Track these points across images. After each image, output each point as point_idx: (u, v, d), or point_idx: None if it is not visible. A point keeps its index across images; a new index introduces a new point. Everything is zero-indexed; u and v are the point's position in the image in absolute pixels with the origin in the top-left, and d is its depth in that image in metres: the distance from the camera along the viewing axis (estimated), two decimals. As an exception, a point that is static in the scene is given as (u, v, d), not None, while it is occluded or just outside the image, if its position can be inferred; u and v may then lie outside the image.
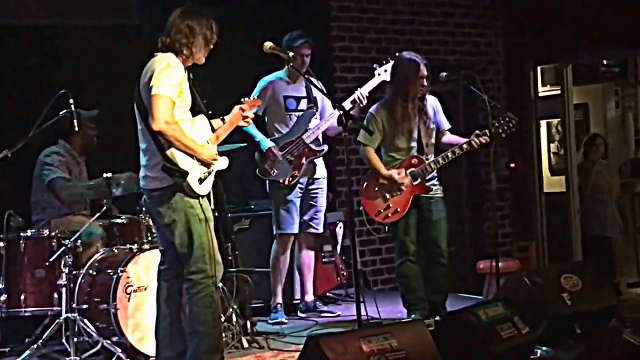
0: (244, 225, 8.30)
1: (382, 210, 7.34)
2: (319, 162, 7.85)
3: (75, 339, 6.37)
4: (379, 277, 10.25)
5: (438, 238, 7.36)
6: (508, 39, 11.60)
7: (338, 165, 9.74)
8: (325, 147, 7.82)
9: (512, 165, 11.21)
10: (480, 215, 11.42)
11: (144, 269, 6.61)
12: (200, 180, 5.68)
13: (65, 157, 7.36)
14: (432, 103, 7.51)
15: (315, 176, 7.83)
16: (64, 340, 6.43)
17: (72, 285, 6.55)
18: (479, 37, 11.46)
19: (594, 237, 10.37)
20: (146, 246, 6.72)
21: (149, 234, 6.85)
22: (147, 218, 6.81)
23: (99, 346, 6.41)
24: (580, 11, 10.67)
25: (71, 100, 6.53)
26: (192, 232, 5.65)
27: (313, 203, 7.84)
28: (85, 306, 6.60)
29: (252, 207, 8.49)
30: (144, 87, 5.64)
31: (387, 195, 7.32)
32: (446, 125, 7.55)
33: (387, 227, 7.58)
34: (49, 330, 6.46)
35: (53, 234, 6.81)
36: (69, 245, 6.54)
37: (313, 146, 7.73)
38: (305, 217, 7.84)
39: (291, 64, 6.76)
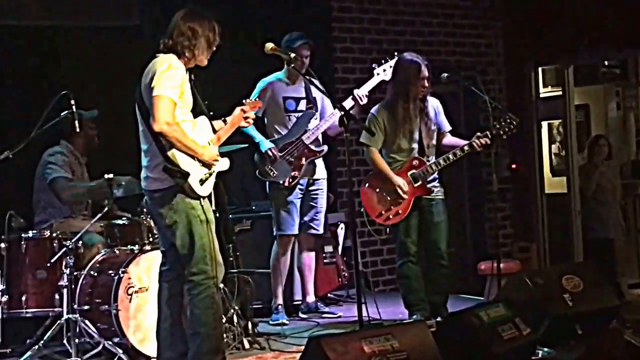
0: (245, 226, 8.31)
1: (383, 212, 7.33)
2: (319, 163, 7.85)
3: (77, 340, 6.38)
4: (380, 278, 10.25)
5: (438, 240, 7.36)
6: (508, 40, 11.60)
7: (339, 166, 9.74)
8: (325, 148, 7.81)
9: (513, 166, 11.20)
10: (482, 216, 11.42)
11: (145, 270, 6.61)
12: (202, 181, 5.68)
13: (68, 157, 7.37)
14: (434, 104, 7.51)
15: (315, 177, 7.82)
16: (65, 341, 6.44)
17: (73, 286, 6.55)
18: (479, 38, 11.46)
19: (595, 239, 10.34)
20: (147, 247, 6.73)
21: (150, 235, 6.85)
22: (148, 219, 6.82)
23: (100, 347, 6.40)
24: (581, 12, 10.67)
25: (72, 101, 6.54)
26: (193, 233, 5.65)
27: (313, 204, 7.84)
28: (86, 307, 6.60)
29: (253, 208, 8.49)
30: (145, 88, 5.65)
31: (389, 197, 7.31)
32: (447, 126, 7.54)
33: (388, 229, 7.57)
34: (50, 331, 6.46)
35: (54, 235, 6.81)
36: (70, 246, 6.55)
37: (313, 147, 7.72)
38: (306, 218, 7.84)
39: (292, 65, 6.78)
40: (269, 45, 6.58)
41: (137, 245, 6.78)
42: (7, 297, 6.67)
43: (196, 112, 5.84)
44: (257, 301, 7.70)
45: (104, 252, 6.86)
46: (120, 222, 7.01)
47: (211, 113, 5.98)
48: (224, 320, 6.26)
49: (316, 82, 6.80)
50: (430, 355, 5.42)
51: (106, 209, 6.81)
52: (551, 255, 11.35)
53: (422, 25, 10.91)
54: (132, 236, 6.92)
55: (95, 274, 6.70)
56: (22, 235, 6.76)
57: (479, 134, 7.27)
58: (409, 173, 7.30)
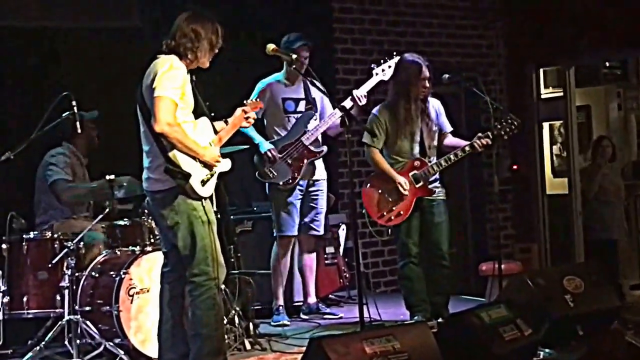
0: (246, 227, 8.31)
1: (384, 213, 7.33)
2: (319, 164, 7.84)
3: (78, 341, 6.37)
4: (381, 279, 10.25)
5: (440, 240, 7.36)
6: (509, 41, 11.60)
7: (340, 167, 9.74)
8: (325, 149, 7.81)
9: (515, 167, 11.20)
10: (483, 217, 11.42)
11: (146, 271, 6.61)
12: (203, 182, 5.68)
13: (70, 158, 7.37)
14: (435, 105, 7.51)
15: (314, 178, 7.82)
16: (66, 342, 6.44)
17: (74, 287, 6.55)
18: (480, 39, 11.47)
19: (598, 240, 10.31)
20: (149, 248, 6.73)
21: (151, 236, 6.85)
22: (149, 220, 6.82)
23: (101, 348, 6.40)
24: (582, 13, 10.67)
25: (74, 103, 6.54)
26: (195, 235, 5.65)
27: (313, 205, 7.84)
28: (87, 308, 6.59)
29: (254, 209, 8.49)
30: (146, 89, 5.65)
31: (390, 198, 7.31)
32: (448, 127, 7.54)
33: (389, 230, 7.57)
34: (51, 332, 6.46)
35: (55, 235, 6.80)
36: (71, 247, 6.55)
37: (312, 148, 7.72)
38: (306, 219, 7.84)
39: (294, 66, 6.78)
40: (270, 46, 6.60)
41: (138, 247, 6.77)
42: (8, 298, 6.66)
43: (197, 113, 5.84)
44: (258, 302, 7.70)
45: (105, 253, 6.86)
46: (121, 223, 7.00)
47: (212, 114, 5.98)
48: (225, 321, 6.26)
49: (317, 83, 6.78)
50: (432, 356, 5.43)
51: (107, 209, 6.81)
52: (552, 256, 11.34)
53: (423, 26, 10.92)
54: (133, 237, 6.91)
55: (97, 275, 6.70)
56: (24, 236, 6.75)
57: (480, 134, 7.27)
58: (410, 174, 7.30)
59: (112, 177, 6.81)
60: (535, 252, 11.28)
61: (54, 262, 6.65)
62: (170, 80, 5.56)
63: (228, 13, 8.11)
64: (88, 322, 6.45)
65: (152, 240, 6.81)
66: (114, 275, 6.56)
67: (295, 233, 7.82)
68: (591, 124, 11.94)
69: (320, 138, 7.77)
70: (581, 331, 6.44)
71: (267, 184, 7.76)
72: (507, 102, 11.34)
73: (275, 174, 7.64)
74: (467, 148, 7.27)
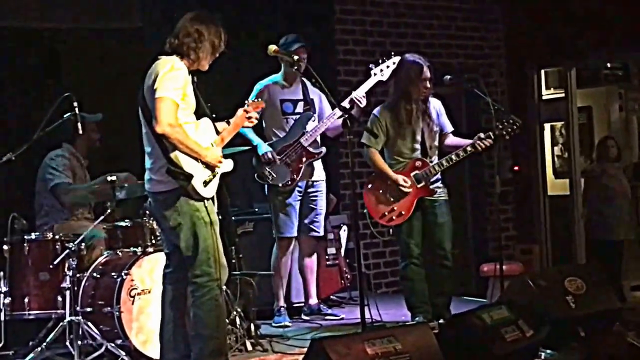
0: (247, 229, 8.31)
1: (386, 213, 7.33)
2: (317, 165, 7.84)
3: (79, 342, 6.38)
4: (383, 280, 10.25)
5: (443, 240, 7.35)
6: (511, 42, 11.60)
7: (341, 168, 9.75)
8: (324, 150, 7.81)
9: (516, 168, 11.21)
10: (484, 218, 11.43)
11: (147, 272, 6.61)
12: (205, 183, 5.68)
13: (70, 160, 7.37)
14: (435, 106, 7.51)
15: (313, 179, 7.81)
16: (67, 343, 6.43)
17: (75, 288, 6.55)
18: (482, 40, 11.47)
19: (602, 240, 10.26)
20: (150, 249, 6.72)
21: (152, 237, 6.85)
22: (151, 221, 6.81)
23: (102, 349, 6.39)
24: (583, 14, 10.67)
25: (75, 104, 6.53)
26: (197, 235, 5.65)
27: (313, 206, 7.84)
28: (89, 309, 6.59)
29: (256, 210, 8.49)
30: (147, 90, 5.64)
31: (392, 199, 7.31)
32: (449, 127, 7.54)
33: (391, 230, 7.56)
34: (52, 333, 6.45)
35: (57, 237, 6.80)
36: (72, 248, 6.55)
37: (311, 149, 7.71)
38: (306, 221, 7.83)
39: (295, 67, 6.79)
40: (272, 47, 6.62)
41: (139, 248, 6.76)
42: (9, 299, 6.65)
43: (199, 114, 5.84)
44: (260, 303, 7.69)
45: (106, 254, 6.86)
46: (122, 224, 7.00)
47: (214, 115, 5.98)
48: (226, 323, 6.25)
49: (318, 81, 6.76)
50: (433, 357, 5.43)
51: (109, 210, 6.81)
52: (553, 257, 11.34)
53: (424, 27, 10.92)
54: (134, 238, 6.91)
55: (98, 276, 6.70)
56: (25, 237, 6.74)
57: (481, 134, 7.27)
58: (412, 174, 7.30)
59: (114, 178, 6.81)
60: (537, 253, 11.27)
61: (55, 263, 6.65)
62: (172, 81, 5.56)
63: (230, 15, 8.12)
64: (89, 323, 6.45)
65: (154, 241, 6.81)
66: (115, 276, 6.55)
67: (295, 234, 7.82)
68: (592, 125, 11.95)
69: (319, 139, 7.77)
70: (582, 332, 6.43)
71: (266, 186, 7.75)
72: (508, 103, 11.33)
73: (274, 176, 7.64)
74: (468, 148, 7.27)
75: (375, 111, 7.45)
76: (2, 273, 6.69)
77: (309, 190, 7.81)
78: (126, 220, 7.06)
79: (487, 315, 5.95)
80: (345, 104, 7.40)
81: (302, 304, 8.19)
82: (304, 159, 7.68)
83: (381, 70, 7.59)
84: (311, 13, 9.65)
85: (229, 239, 6.98)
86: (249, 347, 6.70)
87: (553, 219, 11.43)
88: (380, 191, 7.35)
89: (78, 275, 6.60)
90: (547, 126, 11.74)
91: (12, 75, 8.06)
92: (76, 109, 6.54)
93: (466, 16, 11.31)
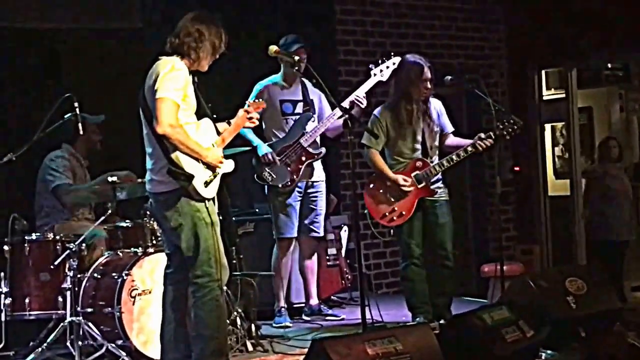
0: (248, 229, 8.31)
1: (387, 214, 7.33)
2: (317, 165, 7.84)
3: (80, 343, 6.37)
4: (383, 280, 10.25)
5: (444, 240, 7.35)
6: (512, 43, 11.60)
7: (342, 169, 9.75)
8: (323, 150, 7.81)
9: (517, 168, 11.20)
10: (484, 219, 11.42)
11: (148, 272, 6.61)
12: (206, 184, 5.68)
13: (70, 161, 7.36)
14: (436, 106, 7.51)
15: (313, 179, 7.82)
16: (68, 344, 6.44)
17: (76, 288, 6.55)
18: (482, 40, 11.46)
19: (603, 241, 10.24)
20: (151, 250, 6.72)
21: (153, 238, 6.85)
22: (151, 222, 6.82)
23: (103, 349, 6.40)
24: (584, 14, 10.67)
25: (76, 104, 6.53)
26: (198, 236, 5.65)
27: (313, 206, 7.84)
28: (89, 310, 6.60)
29: (256, 210, 8.49)
30: (148, 90, 5.64)
31: (392, 199, 7.31)
32: (450, 128, 7.54)
33: (392, 231, 7.56)
34: (53, 334, 6.45)
35: (58, 237, 6.79)
36: (73, 249, 6.55)
37: (311, 149, 7.71)
38: (306, 221, 7.84)
39: (296, 68, 6.79)
40: (273, 48, 6.64)
41: (140, 248, 6.77)
42: (10, 299, 6.66)
43: (200, 115, 5.84)
44: (261, 304, 7.69)
45: (107, 255, 6.86)
46: (123, 224, 7.01)
47: (214, 116, 5.98)
48: (227, 323, 6.26)
49: (319, 81, 6.75)
50: (434, 357, 5.43)
51: (109, 211, 6.81)
52: (554, 257, 11.34)
53: (425, 28, 10.92)
54: (135, 239, 6.91)
55: (99, 277, 6.70)
56: (26, 237, 6.74)
57: (482, 134, 7.27)
58: (412, 174, 7.30)
59: (115, 179, 6.80)
60: (537, 253, 11.27)
61: (56, 263, 6.64)
62: (172, 82, 5.56)
63: (231, 16, 8.12)
64: (90, 324, 6.45)
65: (154, 242, 6.81)
66: (116, 277, 6.56)
67: (295, 235, 7.82)
68: (593, 125, 11.96)
69: (318, 140, 7.77)
70: (583, 333, 6.43)
71: (266, 187, 7.75)
72: (509, 104, 11.32)
73: (274, 177, 7.64)
74: (469, 148, 7.27)
75: (376, 112, 7.45)
76: (2, 274, 6.69)
77: (309, 190, 7.81)
78: (127, 221, 7.06)
79: (487, 315, 5.95)
80: (346, 104, 7.38)
81: (303, 305, 8.19)
82: (303, 160, 7.68)
83: (381, 71, 7.59)
84: (312, 13, 9.65)
85: (230, 239, 6.98)
86: (250, 348, 6.70)
87: (553, 219, 11.43)
88: (381, 191, 7.35)
89: (79, 275, 6.61)
90: (547, 127, 11.75)
91: (13, 75, 8.06)
92: (77, 110, 6.54)
93: (467, 17, 11.31)
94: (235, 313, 6.75)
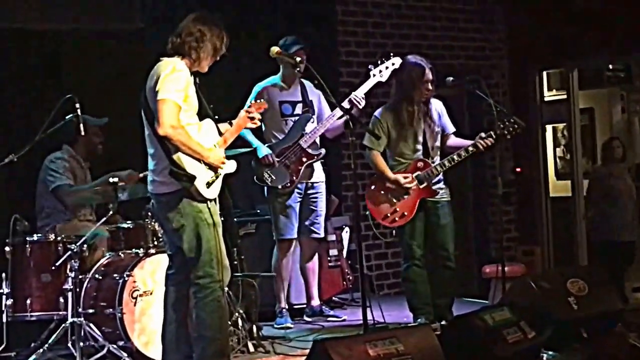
0: (249, 230, 8.31)
1: (389, 215, 7.33)
2: (317, 166, 7.84)
3: (81, 344, 6.37)
4: (385, 281, 10.24)
5: (445, 241, 7.35)
6: (513, 44, 11.60)
7: (344, 170, 9.75)
8: (323, 151, 7.80)
9: (518, 169, 11.20)
10: (486, 220, 11.42)
11: (150, 273, 6.62)
12: (208, 184, 5.68)
13: (70, 162, 7.35)
14: (437, 107, 7.51)
15: (313, 180, 7.81)
16: (69, 345, 6.43)
17: (78, 289, 6.55)
18: (484, 41, 11.46)
19: (606, 242, 10.20)
20: (152, 250, 6.73)
21: (154, 239, 6.85)
22: (153, 222, 6.82)
23: (105, 350, 6.41)
24: (585, 15, 10.66)
25: (77, 105, 6.53)
26: (200, 237, 5.65)
27: (313, 208, 7.84)
28: (91, 310, 6.60)
29: (258, 211, 8.49)
30: (149, 92, 5.65)
31: (394, 200, 7.32)
32: (451, 128, 7.54)
33: (394, 232, 7.56)
34: (54, 335, 6.46)
35: (59, 238, 6.80)
36: (74, 250, 6.55)
37: (310, 150, 7.71)
38: (306, 222, 7.83)
39: (298, 69, 6.79)
40: (274, 49, 6.66)
41: (142, 249, 6.77)
42: (11, 300, 6.66)
43: (201, 115, 5.84)
44: (262, 304, 7.69)
45: (108, 256, 6.86)
46: (124, 225, 7.01)
47: (216, 117, 5.98)
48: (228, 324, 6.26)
49: (320, 85, 6.75)
50: (435, 358, 5.43)
51: (111, 212, 6.81)
52: (555, 258, 11.34)
53: (426, 29, 10.92)
54: (137, 240, 6.92)
55: (100, 278, 6.70)
56: (27, 238, 6.74)
57: (482, 134, 7.28)
58: (414, 175, 7.30)
59: (116, 180, 6.80)
60: (539, 254, 11.27)
61: (57, 264, 6.65)
62: (173, 83, 5.56)
63: (232, 17, 8.12)
64: (91, 325, 6.46)
65: (156, 243, 6.81)
66: (117, 278, 6.56)
67: (295, 236, 7.82)
68: (594, 126, 11.94)
69: (318, 140, 7.77)
70: (585, 333, 6.44)
71: (265, 188, 7.75)
72: (510, 105, 11.32)
73: (274, 178, 7.64)
74: (470, 148, 7.27)
75: (377, 113, 7.45)
76: (4, 274, 6.69)
77: (309, 191, 7.81)
78: (128, 222, 7.07)
79: (489, 316, 5.95)
80: (345, 104, 7.39)
81: (303, 306, 8.18)
82: (303, 161, 7.68)
83: (380, 71, 7.59)
84: (313, 14, 9.65)
85: (231, 240, 6.98)
86: (251, 349, 6.71)
87: (555, 220, 11.42)
88: (382, 192, 7.34)
89: (80, 276, 6.60)
90: (549, 128, 11.74)
91: (14, 76, 8.06)
92: (78, 111, 6.54)
93: (468, 17, 11.30)
94: (236, 314, 6.75)
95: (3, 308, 6.64)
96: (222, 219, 5.96)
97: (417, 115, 7.31)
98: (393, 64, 7.56)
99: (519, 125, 7.24)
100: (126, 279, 6.50)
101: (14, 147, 6.56)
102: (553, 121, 11.65)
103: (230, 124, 6.06)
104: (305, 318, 8.03)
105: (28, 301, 6.67)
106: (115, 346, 6.40)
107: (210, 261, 5.66)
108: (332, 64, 9.82)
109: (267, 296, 7.80)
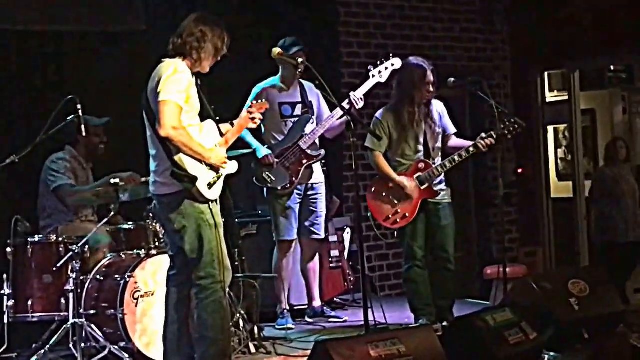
0: (251, 231, 8.31)
1: (390, 216, 7.33)
2: (317, 167, 7.83)
3: (83, 345, 6.38)
4: (386, 282, 10.24)
5: (446, 243, 7.36)
6: (514, 45, 11.60)
7: (345, 171, 9.74)
8: (323, 152, 7.80)
9: (520, 170, 11.21)
10: (487, 221, 11.41)
11: (151, 274, 6.62)
12: (210, 185, 5.68)
13: (71, 162, 7.35)
14: (438, 108, 7.51)
15: (312, 181, 7.80)
16: (71, 346, 6.43)
17: (79, 290, 6.55)
18: (485, 42, 11.46)
19: (609, 242, 10.18)
20: (153, 251, 6.73)
21: (156, 240, 6.86)
22: (154, 223, 6.83)
23: (106, 351, 6.41)
24: (587, 16, 10.67)
25: (79, 106, 6.54)
26: (202, 238, 5.66)
27: (313, 208, 7.83)
28: (92, 311, 6.60)
29: (259, 212, 8.49)
30: (151, 93, 5.65)
31: (395, 201, 7.31)
32: (452, 129, 7.54)
33: (395, 233, 7.56)
34: (56, 336, 6.47)
35: (60, 239, 6.80)
36: (76, 251, 6.55)
37: (310, 151, 7.70)
38: (306, 223, 7.83)
39: (299, 70, 6.79)
40: (276, 51, 6.67)
41: (143, 250, 6.78)
42: (13, 301, 6.66)
43: (203, 116, 5.84)
44: (263, 305, 7.69)
45: (109, 257, 6.86)
46: (126, 226, 7.01)
47: (217, 118, 5.98)
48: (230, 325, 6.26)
49: (321, 85, 6.75)
50: (437, 359, 5.42)
51: (112, 213, 6.80)
52: (557, 259, 11.34)
53: (428, 30, 10.92)
54: (138, 240, 6.92)
55: (101, 279, 6.70)
56: (28, 239, 6.75)
57: (483, 134, 7.28)
58: (415, 176, 7.30)
59: (117, 180, 6.80)
60: (540, 255, 11.28)
61: (58, 265, 6.65)
62: (175, 84, 5.57)
63: (234, 18, 8.12)
64: (93, 326, 6.46)
65: (157, 244, 6.82)
66: (118, 279, 6.56)
67: (295, 237, 7.81)
68: (596, 127, 11.93)
69: (317, 141, 7.76)
70: (586, 334, 6.43)
71: (265, 189, 7.75)
72: (512, 106, 11.33)
73: (274, 179, 7.64)
74: (471, 149, 7.27)
75: (378, 114, 7.45)
76: (5, 275, 6.69)
77: (309, 192, 7.81)
78: (130, 223, 7.07)
79: (490, 317, 5.95)
80: (345, 105, 7.38)
81: (304, 307, 8.18)
82: (303, 162, 7.67)
83: (379, 72, 7.59)
84: (315, 15, 9.64)
85: (232, 241, 6.98)
86: (253, 350, 6.71)
87: (556, 221, 11.43)
88: (384, 194, 7.35)
89: (81, 277, 6.60)
90: (550, 129, 11.74)
91: (15, 77, 8.06)
92: (80, 111, 6.55)
93: (470, 19, 11.31)
94: (238, 315, 6.75)
95: (4, 309, 6.65)
96: (224, 219, 5.96)
97: (418, 116, 7.31)
98: (393, 65, 7.56)
99: (519, 125, 7.24)
100: (127, 279, 6.50)
101: (16, 148, 6.57)
102: (554, 122, 11.66)
103: (232, 124, 6.06)
104: (307, 319, 8.02)
105: (29, 302, 6.68)
106: (116, 347, 6.40)
107: (212, 262, 5.66)
108: (333, 65, 9.82)
109: (269, 297, 7.80)
